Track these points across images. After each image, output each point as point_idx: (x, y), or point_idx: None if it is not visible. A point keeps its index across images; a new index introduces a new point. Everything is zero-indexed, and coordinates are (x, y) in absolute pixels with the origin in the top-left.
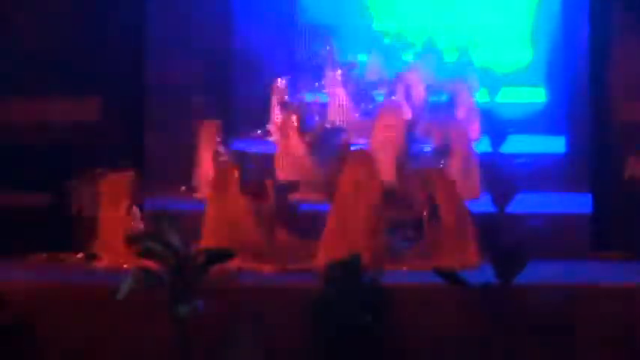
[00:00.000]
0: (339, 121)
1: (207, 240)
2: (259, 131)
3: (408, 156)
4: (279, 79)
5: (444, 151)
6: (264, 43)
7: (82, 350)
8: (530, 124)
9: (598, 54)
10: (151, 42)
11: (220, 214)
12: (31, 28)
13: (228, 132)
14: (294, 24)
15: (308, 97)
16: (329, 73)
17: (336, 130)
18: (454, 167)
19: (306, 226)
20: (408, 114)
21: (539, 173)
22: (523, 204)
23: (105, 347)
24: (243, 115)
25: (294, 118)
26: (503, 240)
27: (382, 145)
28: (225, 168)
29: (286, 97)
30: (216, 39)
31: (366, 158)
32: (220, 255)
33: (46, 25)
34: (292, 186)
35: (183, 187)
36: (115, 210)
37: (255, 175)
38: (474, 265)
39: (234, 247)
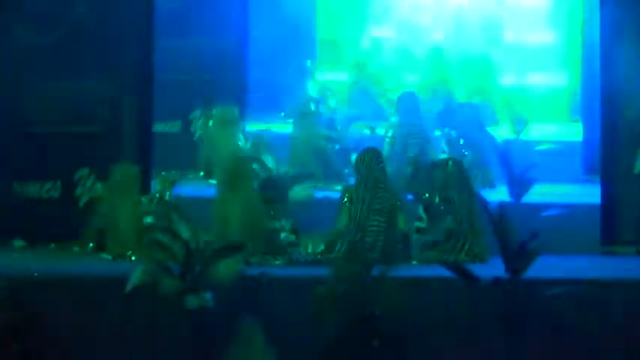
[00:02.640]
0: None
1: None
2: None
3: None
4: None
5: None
6: (281, 25)
7: (89, 342)
8: (552, 110)
9: (609, 45)
10: (161, 27)
11: (234, 206)
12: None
13: (244, 116)
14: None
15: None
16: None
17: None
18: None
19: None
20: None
21: (558, 161)
22: (539, 194)
23: (113, 339)
24: (259, 98)
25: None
26: (513, 233)
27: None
28: (242, 160)
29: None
30: (231, 22)
31: (377, 155)
32: (229, 247)
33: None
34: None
35: (201, 173)
36: (124, 201)
37: None
38: (484, 259)
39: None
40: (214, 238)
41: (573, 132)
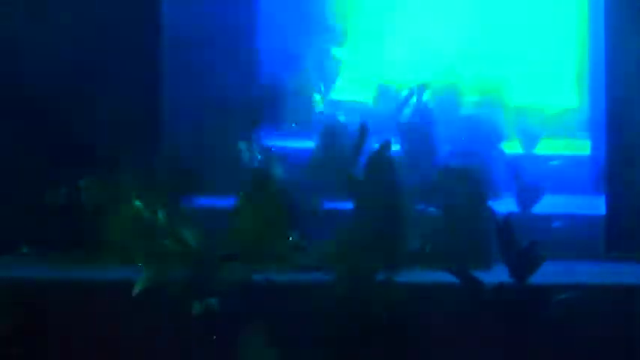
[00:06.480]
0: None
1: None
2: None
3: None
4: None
5: None
6: (289, 34)
7: (93, 347)
8: (563, 127)
9: (613, 57)
10: (167, 36)
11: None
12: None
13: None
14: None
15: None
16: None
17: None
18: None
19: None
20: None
21: (567, 175)
22: (546, 205)
23: (117, 344)
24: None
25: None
26: (518, 239)
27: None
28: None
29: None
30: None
31: (385, 161)
32: (236, 254)
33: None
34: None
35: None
36: (129, 206)
37: None
38: (489, 266)
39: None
40: (222, 244)
41: (581, 147)
